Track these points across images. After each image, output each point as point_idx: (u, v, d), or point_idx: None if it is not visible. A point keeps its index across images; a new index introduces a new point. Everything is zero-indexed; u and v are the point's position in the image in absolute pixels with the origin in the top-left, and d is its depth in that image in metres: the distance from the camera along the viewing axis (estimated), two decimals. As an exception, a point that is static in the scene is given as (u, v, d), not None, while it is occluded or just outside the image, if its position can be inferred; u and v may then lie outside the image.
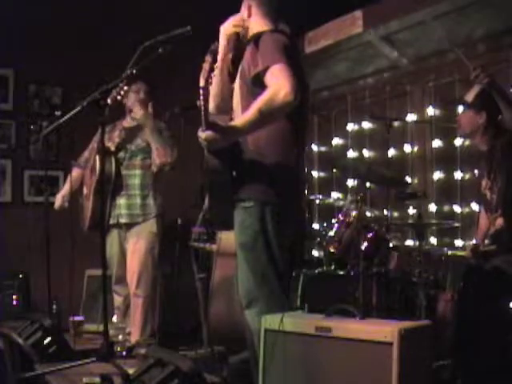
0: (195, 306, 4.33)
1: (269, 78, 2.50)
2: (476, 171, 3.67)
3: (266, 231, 2.62)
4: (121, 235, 4.17)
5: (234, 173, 2.67)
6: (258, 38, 2.65)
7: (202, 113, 2.52)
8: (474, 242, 3.51)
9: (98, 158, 3.91)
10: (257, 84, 2.58)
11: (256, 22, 2.79)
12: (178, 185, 4.63)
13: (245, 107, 2.61)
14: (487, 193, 3.35)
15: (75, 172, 4.25)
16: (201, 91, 2.52)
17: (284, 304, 2.65)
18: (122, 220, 4.12)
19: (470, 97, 3.39)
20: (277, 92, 2.44)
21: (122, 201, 4.10)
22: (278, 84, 2.45)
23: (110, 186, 4.00)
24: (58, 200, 4.19)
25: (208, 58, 2.68)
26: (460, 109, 3.48)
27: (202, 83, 2.59)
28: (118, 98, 3.68)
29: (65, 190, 4.28)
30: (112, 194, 4.04)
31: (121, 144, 4.17)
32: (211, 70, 2.64)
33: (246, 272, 2.67)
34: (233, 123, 2.61)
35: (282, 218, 2.65)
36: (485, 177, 3.38)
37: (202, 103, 2.51)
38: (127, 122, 4.28)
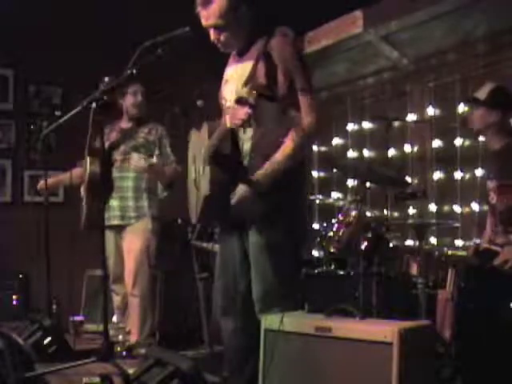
0: (195, 305, 4.34)
1: (302, 107, 2.63)
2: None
3: (295, 232, 2.65)
4: (116, 235, 4.15)
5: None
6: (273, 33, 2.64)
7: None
8: (476, 241, 3.49)
9: (87, 158, 3.89)
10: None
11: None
12: (177, 185, 4.63)
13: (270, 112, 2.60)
14: (491, 194, 3.32)
15: (77, 169, 4.24)
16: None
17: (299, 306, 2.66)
18: (115, 222, 4.10)
19: (482, 94, 3.32)
20: (305, 139, 2.59)
21: (115, 203, 4.08)
22: (309, 126, 2.60)
23: (97, 188, 3.93)
24: (41, 183, 4.05)
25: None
26: (460, 108, 3.44)
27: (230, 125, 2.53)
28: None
29: (54, 177, 4.24)
30: (104, 196, 4.00)
31: (114, 144, 4.15)
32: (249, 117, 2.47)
33: (267, 273, 2.59)
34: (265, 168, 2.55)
35: (304, 219, 2.70)
36: (492, 177, 3.33)
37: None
38: (124, 123, 4.27)
